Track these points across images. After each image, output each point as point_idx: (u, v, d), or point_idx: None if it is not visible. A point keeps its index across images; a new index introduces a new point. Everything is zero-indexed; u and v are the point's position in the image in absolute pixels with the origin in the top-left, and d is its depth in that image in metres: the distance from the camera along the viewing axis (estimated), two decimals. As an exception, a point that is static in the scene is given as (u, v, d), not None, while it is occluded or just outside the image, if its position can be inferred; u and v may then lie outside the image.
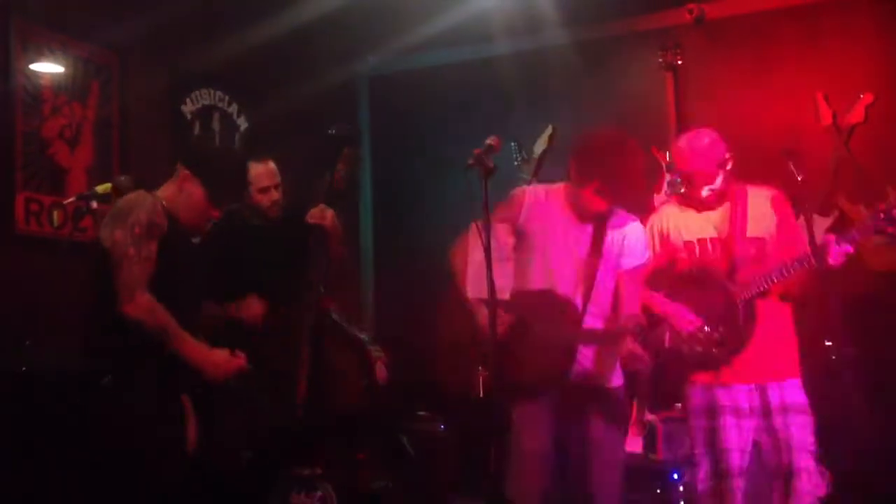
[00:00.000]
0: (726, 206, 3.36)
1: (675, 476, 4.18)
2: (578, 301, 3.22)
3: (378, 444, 4.46)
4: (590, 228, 3.27)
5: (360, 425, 3.95)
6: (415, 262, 5.50)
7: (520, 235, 3.33)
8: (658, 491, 4.19)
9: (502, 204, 3.36)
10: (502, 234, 3.31)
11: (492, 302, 2.70)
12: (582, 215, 3.27)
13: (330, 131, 3.70)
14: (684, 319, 3.31)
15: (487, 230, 2.75)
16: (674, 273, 3.45)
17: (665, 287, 3.43)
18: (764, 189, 3.38)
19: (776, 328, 3.27)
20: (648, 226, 3.52)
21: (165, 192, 3.01)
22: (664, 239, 3.47)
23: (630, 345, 3.01)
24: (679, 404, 4.58)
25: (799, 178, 3.13)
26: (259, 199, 3.75)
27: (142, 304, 2.80)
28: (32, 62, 4.03)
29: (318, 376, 3.46)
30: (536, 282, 3.27)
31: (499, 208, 3.34)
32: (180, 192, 2.99)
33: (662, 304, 3.40)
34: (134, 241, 2.82)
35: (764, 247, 3.29)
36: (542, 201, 3.33)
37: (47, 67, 4.09)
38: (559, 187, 3.35)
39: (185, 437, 2.93)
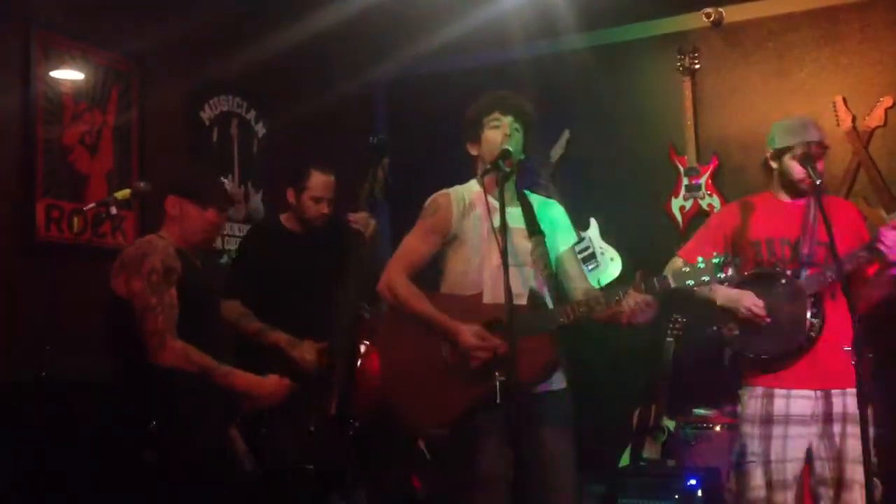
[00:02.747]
0: (799, 209, 3.30)
1: (693, 482, 4.16)
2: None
3: (400, 449, 4.45)
4: (519, 211, 3.13)
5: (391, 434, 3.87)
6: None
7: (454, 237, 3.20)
8: (676, 497, 4.17)
9: (429, 215, 3.21)
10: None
11: (509, 306, 2.68)
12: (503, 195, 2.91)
13: (371, 140, 3.73)
14: (749, 301, 3.18)
15: (504, 235, 2.75)
16: (741, 273, 3.32)
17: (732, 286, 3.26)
18: (839, 200, 3.36)
19: (847, 335, 3.08)
20: (713, 225, 3.47)
21: (168, 232, 3.03)
22: (728, 238, 3.39)
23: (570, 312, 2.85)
24: (698, 410, 4.60)
25: (818, 183, 3.10)
26: (308, 206, 3.76)
27: (175, 351, 2.78)
28: (53, 70, 4.06)
29: (353, 385, 3.42)
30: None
31: (427, 219, 3.20)
32: (182, 221, 3.01)
33: (726, 291, 3.25)
34: (153, 290, 2.79)
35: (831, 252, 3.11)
36: (471, 196, 3.21)
37: (67, 75, 4.12)
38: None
39: (245, 468, 2.92)
